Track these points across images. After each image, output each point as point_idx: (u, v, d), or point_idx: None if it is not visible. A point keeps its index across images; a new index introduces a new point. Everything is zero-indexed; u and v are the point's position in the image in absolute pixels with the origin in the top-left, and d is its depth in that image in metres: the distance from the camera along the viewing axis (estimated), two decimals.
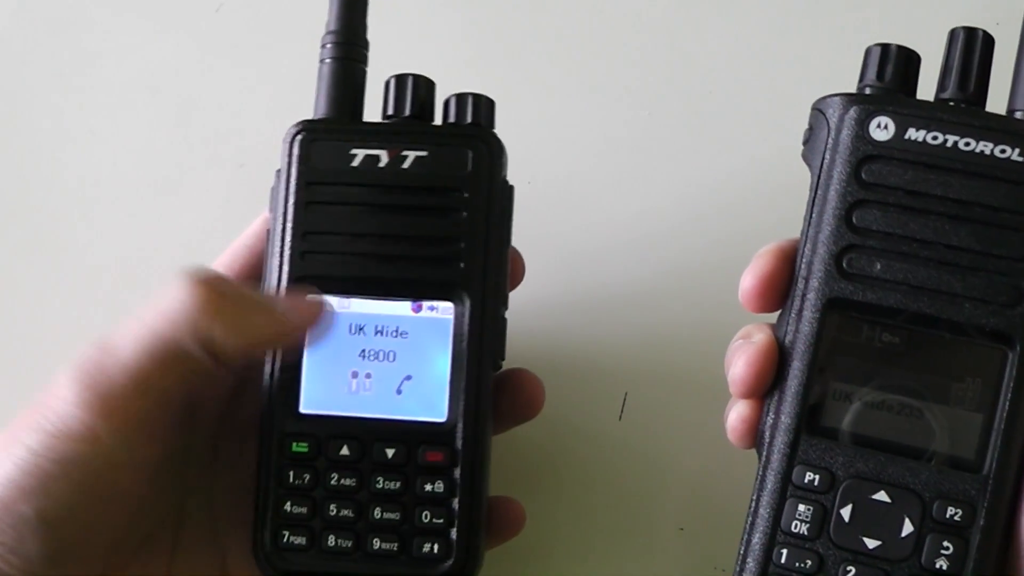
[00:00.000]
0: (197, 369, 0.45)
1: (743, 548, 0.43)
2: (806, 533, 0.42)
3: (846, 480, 0.42)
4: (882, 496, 0.42)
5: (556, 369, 0.59)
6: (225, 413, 0.51)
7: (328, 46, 0.51)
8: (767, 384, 0.44)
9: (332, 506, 0.47)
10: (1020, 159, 0.41)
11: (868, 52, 0.45)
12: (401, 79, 0.51)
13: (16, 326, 0.61)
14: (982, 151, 0.41)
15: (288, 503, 0.48)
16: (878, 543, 0.41)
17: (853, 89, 0.46)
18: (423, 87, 0.51)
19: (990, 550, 0.41)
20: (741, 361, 0.44)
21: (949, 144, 0.42)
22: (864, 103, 0.43)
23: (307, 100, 0.53)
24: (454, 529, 0.48)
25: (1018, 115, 0.43)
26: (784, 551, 0.42)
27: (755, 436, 0.44)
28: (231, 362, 0.46)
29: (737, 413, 0.45)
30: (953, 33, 0.45)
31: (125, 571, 0.48)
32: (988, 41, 0.44)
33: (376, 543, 0.47)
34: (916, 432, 0.42)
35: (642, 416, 0.59)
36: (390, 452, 0.48)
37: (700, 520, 0.58)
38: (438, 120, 0.51)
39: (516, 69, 0.65)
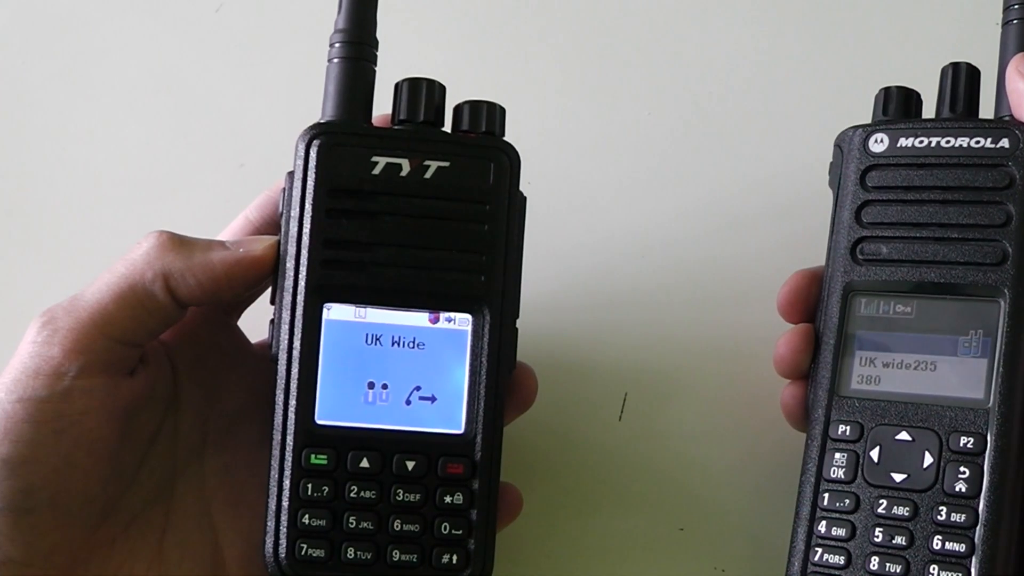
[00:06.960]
0: (156, 307, 0.47)
1: (797, 496, 0.50)
2: (843, 477, 0.48)
3: (873, 428, 0.48)
4: (904, 436, 0.48)
5: (556, 369, 0.59)
6: (213, 398, 0.52)
7: (338, 45, 0.49)
8: (802, 362, 0.51)
9: (352, 518, 0.47)
10: (992, 145, 0.48)
11: (876, 97, 0.52)
12: (415, 84, 0.50)
13: (17, 326, 0.61)
14: (960, 144, 0.48)
15: (306, 515, 0.47)
16: (904, 476, 0.47)
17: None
18: (437, 93, 0.50)
19: (1004, 471, 0.46)
20: (779, 343, 0.51)
21: (934, 144, 0.49)
22: (865, 127, 0.51)
23: (307, 100, 0.52)
24: (472, 539, 0.48)
25: (1005, 119, 0.49)
26: (826, 495, 0.48)
27: (804, 413, 0.51)
28: (191, 298, 0.48)
29: (787, 391, 0.52)
30: (943, 69, 0.51)
31: (112, 547, 0.48)
32: (972, 70, 0.51)
33: (396, 554, 0.47)
34: (931, 383, 0.48)
35: (642, 416, 0.59)
36: (410, 464, 0.48)
37: (700, 520, 0.58)
38: (446, 123, 0.51)
39: (514, 68, 0.65)
